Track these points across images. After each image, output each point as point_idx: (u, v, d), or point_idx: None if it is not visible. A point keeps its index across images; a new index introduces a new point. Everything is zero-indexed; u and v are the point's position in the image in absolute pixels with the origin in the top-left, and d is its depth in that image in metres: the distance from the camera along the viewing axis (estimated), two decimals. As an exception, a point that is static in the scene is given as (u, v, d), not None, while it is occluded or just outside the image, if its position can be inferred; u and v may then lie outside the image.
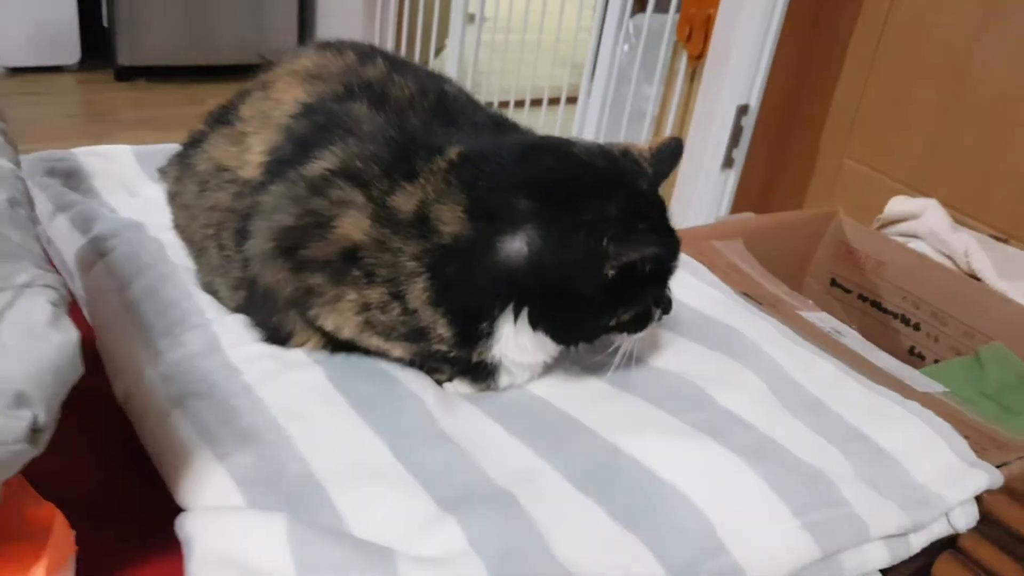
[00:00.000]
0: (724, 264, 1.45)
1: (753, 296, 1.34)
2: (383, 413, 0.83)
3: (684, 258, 1.15)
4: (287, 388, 0.84)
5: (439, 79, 0.97)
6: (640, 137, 2.79)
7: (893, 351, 1.35)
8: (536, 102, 3.11)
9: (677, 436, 0.84)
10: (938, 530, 0.87)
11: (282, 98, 0.94)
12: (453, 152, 0.85)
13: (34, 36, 3.65)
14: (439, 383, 0.92)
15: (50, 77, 3.74)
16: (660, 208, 0.87)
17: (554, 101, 3.13)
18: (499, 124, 0.94)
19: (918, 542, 0.85)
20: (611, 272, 0.81)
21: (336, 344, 0.90)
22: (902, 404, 0.95)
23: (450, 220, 0.81)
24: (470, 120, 0.91)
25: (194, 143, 0.97)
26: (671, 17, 2.59)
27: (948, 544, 0.94)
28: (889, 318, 1.55)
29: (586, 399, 0.90)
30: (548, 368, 0.93)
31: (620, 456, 0.82)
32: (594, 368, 0.94)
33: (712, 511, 0.77)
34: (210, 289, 0.95)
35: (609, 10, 2.75)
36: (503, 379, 0.90)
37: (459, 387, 0.91)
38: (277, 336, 0.90)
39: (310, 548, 0.65)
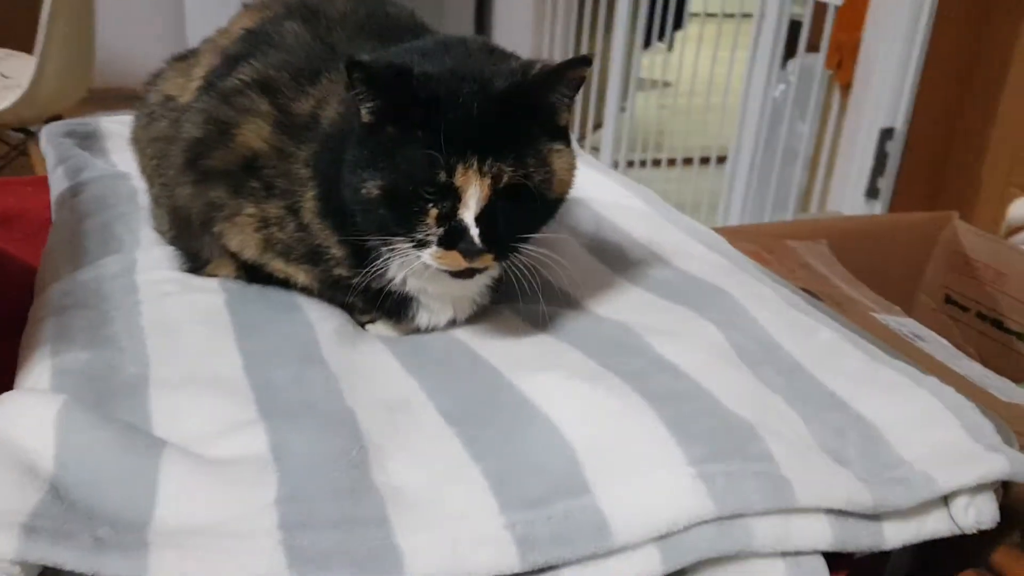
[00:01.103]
0: (793, 263, 1.29)
1: (815, 293, 1.18)
2: (259, 335, 0.77)
3: (697, 227, 1.03)
4: (175, 308, 0.81)
5: (382, 3, 0.92)
6: (794, 179, 2.61)
7: (1016, 376, 1.12)
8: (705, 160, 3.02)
9: (580, 377, 0.71)
10: (935, 526, 0.68)
11: (231, 29, 0.93)
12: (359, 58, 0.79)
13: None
14: (362, 325, 0.84)
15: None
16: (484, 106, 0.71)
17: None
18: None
19: (897, 535, 0.66)
20: (362, 106, 0.70)
21: (251, 273, 0.85)
22: (912, 377, 0.77)
23: (331, 114, 0.76)
24: (407, 39, 0.85)
25: (153, 82, 0.97)
26: (823, 54, 2.44)
27: (971, 556, 0.74)
28: (1012, 339, 1.30)
29: (508, 343, 0.80)
30: (483, 314, 0.83)
31: (508, 392, 0.71)
32: (535, 318, 0.84)
33: (585, 450, 0.64)
34: (157, 227, 0.94)
35: (759, 52, 2.62)
36: (422, 316, 0.82)
37: (381, 329, 0.84)
38: (197, 263, 0.87)
39: (76, 432, 0.60)
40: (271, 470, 0.60)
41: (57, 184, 1.08)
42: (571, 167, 0.75)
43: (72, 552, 0.51)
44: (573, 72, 0.72)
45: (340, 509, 0.58)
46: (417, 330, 0.83)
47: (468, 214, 0.69)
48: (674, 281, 0.91)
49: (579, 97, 3.21)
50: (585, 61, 0.72)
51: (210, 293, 0.83)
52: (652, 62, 3.59)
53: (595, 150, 3.34)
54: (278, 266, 0.83)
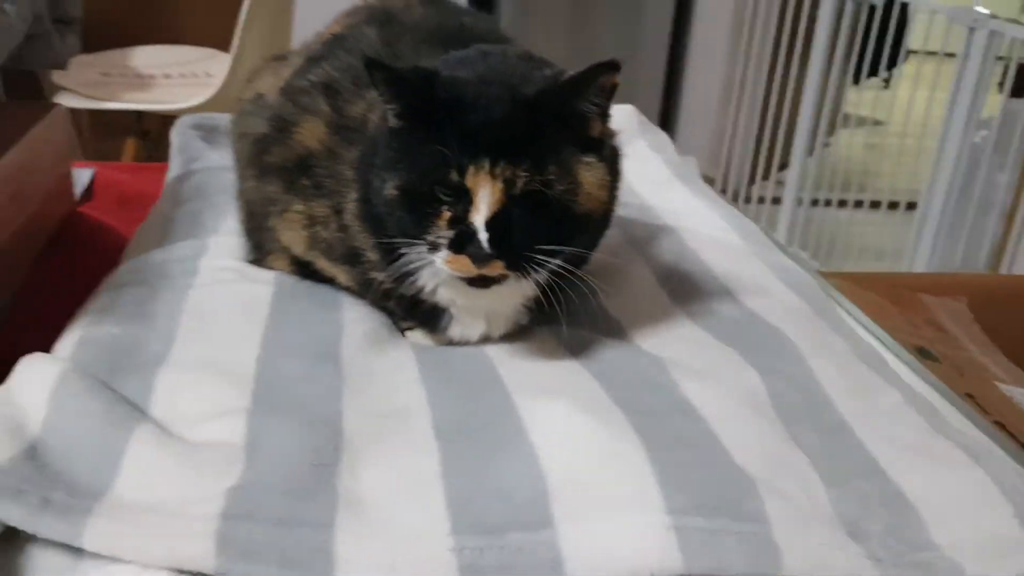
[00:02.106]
0: (920, 319, 1.18)
1: (934, 353, 1.08)
2: (287, 329, 0.79)
3: (789, 266, 0.96)
4: (222, 295, 0.84)
5: (461, 14, 0.93)
6: (987, 232, 2.40)
7: None
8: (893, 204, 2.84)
9: (583, 409, 0.68)
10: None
11: (325, 33, 0.96)
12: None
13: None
14: (402, 332, 0.85)
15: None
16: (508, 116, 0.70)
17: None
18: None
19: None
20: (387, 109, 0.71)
21: (302, 269, 0.88)
22: (972, 454, 0.69)
23: (375, 118, 0.77)
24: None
25: (250, 79, 1.02)
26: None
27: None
28: None
29: (530, 365, 0.78)
30: (520, 334, 0.82)
31: (507, 414, 0.69)
32: (573, 343, 0.81)
33: (559, 483, 0.61)
34: (238, 218, 0.98)
35: (960, 94, 2.44)
36: (454, 328, 0.81)
37: (418, 337, 0.84)
38: (259, 254, 0.91)
39: (67, 398, 0.64)
40: (238, 459, 0.62)
41: (172, 170, 1.16)
42: (602, 181, 0.72)
43: (17, 509, 0.54)
44: (602, 78, 0.70)
45: (289, 507, 0.58)
46: (450, 342, 0.82)
47: (479, 217, 0.68)
48: (735, 320, 0.86)
49: (767, 130, 3.11)
50: (613, 66, 0.70)
51: (261, 284, 0.86)
52: (861, 98, 3.42)
53: (779, 184, 3.22)
54: (322, 264, 0.85)
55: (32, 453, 0.60)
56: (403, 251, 0.73)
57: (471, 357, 0.79)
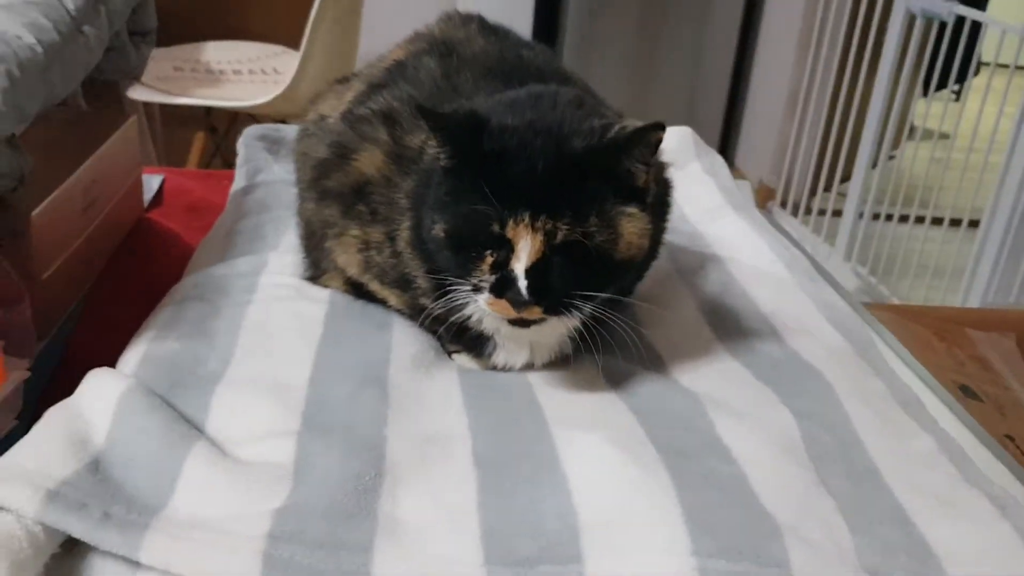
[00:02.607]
0: (965, 355, 1.18)
1: (976, 391, 1.08)
2: (338, 349, 0.83)
3: (835, 302, 0.97)
4: (279, 312, 0.88)
5: (521, 46, 0.95)
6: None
7: None
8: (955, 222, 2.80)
9: (617, 444, 0.71)
10: None
11: (388, 57, 0.99)
12: (468, 104, 0.83)
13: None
14: (449, 354, 0.88)
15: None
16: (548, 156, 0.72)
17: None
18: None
19: None
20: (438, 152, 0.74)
21: (356, 289, 0.91)
22: (1001, 506, 0.70)
23: (431, 151, 0.80)
24: (532, 81, 0.88)
25: (315, 100, 1.06)
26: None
27: None
28: None
29: (570, 396, 0.81)
30: (563, 362, 0.84)
31: (544, 444, 0.72)
32: (614, 374, 0.84)
33: (589, 518, 0.64)
34: (298, 234, 1.02)
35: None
36: (499, 355, 0.84)
37: (464, 360, 0.87)
38: (316, 272, 0.94)
39: (130, 415, 0.69)
40: (286, 480, 0.65)
41: (237, 182, 1.21)
42: (642, 231, 0.74)
43: (80, 523, 0.58)
44: (648, 137, 0.72)
45: (331, 529, 0.61)
46: (495, 367, 0.85)
47: (519, 265, 0.70)
48: (775, 358, 0.88)
49: (831, 141, 3.08)
50: (659, 127, 0.72)
51: (316, 303, 0.90)
52: (929, 111, 3.36)
53: (841, 196, 3.19)
54: (375, 287, 0.88)
55: (95, 467, 0.64)
56: (450, 284, 0.76)
57: (513, 384, 0.82)
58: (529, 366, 0.85)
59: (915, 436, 0.78)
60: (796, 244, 1.26)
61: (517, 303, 0.71)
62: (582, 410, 0.78)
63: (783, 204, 3.29)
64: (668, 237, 1.13)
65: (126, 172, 1.14)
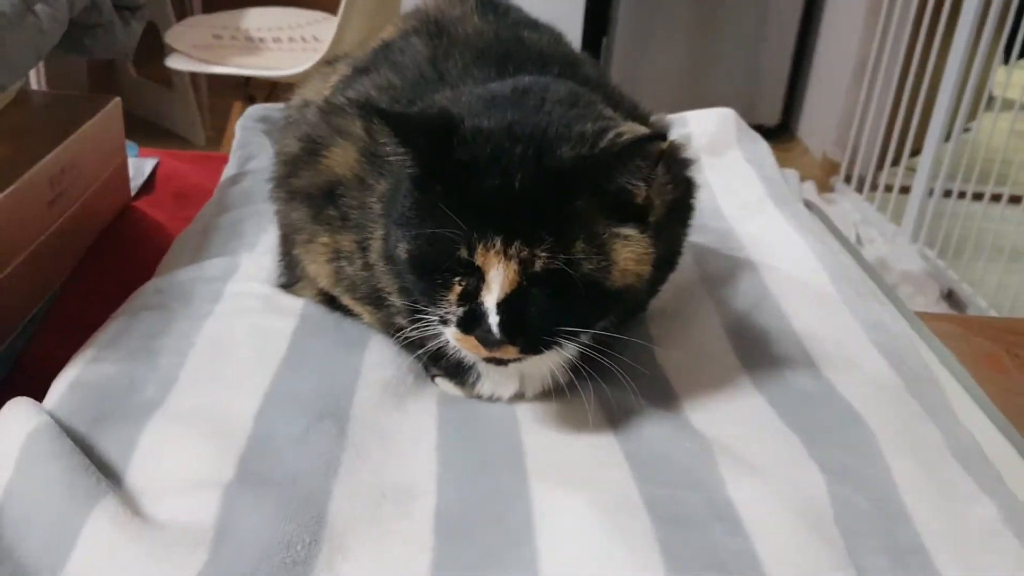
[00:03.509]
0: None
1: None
2: (298, 374, 0.73)
3: (885, 322, 0.84)
4: (240, 327, 0.78)
5: (522, 26, 0.82)
6: None
7: None
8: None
9: (602, 507, 0.60)
10: None
11: (371, 43, 0.88)
12: (452, 93, 0.71)
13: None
14: (431, 377, 0.77)
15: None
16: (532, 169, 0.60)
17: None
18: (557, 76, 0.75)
19: None
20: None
21: (329, 301, 0.81)
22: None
23: None
24: (528, 70, 0.75)
25: (300, 83, 0.95)
26: None
27: None
28: None
29: (559, 438, 0.69)
30: (557, 394, 0.73)
31: (520, 502, 0.62)
32: (615, 409, 0.72)
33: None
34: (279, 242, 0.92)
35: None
36: (484, 385, 0.73)
37: (445, 385, 0.76)
38: (290, 278, 0.84)
39: (32, 465, 0.60)
40: (202, 548, 0.55)
41: (227, 169, 1.11)
42: (641, 256, 0.61)
43: (-55, 601, 0.49)
44: (646, 150, 0.59)
45: (246, 616, 0.51)
46: (480, 397, 0.74)
47: (490, 298, 0.59)
48: (808, 395, 0.75)
49: (901, 111, 2.88)
50: (660, 136, 0.59)
51: (285, 317, 0.80)
52: (1009, 80, 3.12)
53: (910, 171, 2.99)
54: (347, 301, 0.78)
55: (-14, 525, 0.55)
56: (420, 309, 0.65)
57: (498, 419, 0.71)
58: (520, 396, 0.73)
59: (974, 501, 0.65)
60: (845, 243, 1.12)
61: (487, 342, 0.59)
62: (570, 458, 0.66)
63: (847, 179, 3.10)
64: (697, 237, 1.01)
65: (106, 158, 1.05)
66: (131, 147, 1.24)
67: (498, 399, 0.73)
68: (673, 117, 1.31)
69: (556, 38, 0.84)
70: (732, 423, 0.71)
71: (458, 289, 0.60)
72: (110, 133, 1.05)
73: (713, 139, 1.25)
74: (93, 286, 0.96)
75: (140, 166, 1.18)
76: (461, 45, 0.78)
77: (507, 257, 0.58)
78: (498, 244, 0.57)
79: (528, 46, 0.79)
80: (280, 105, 1.27)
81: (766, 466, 0.65)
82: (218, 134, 3.14)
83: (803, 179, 3.40)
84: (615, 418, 0.71)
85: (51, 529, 0.55)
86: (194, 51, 2.67)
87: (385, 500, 0.62)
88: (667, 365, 0.79)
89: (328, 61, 0.94)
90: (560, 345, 0.62)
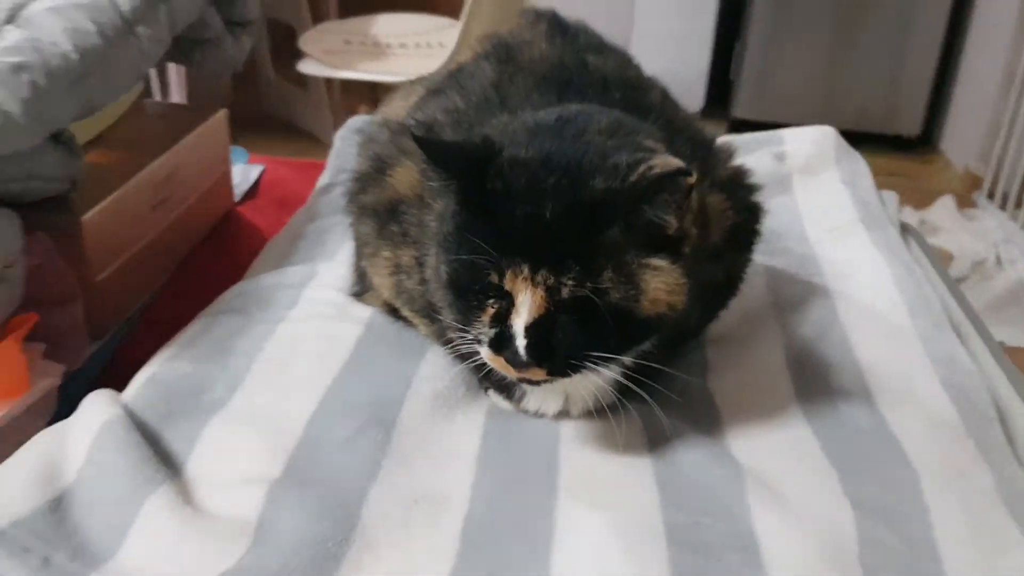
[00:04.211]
0: None
1: None
2: (356, 381, 0.78)
3: (958, 358, 0.83)
4: (309, 333, 0.84)
5: (588, 50, 0.85)
6: None
7: None
8: None
9: (621, 533, 0.62)
10: None
11: (456, 59, 0.93)
12: (510, 118, 0.75)
13: (666, 82, 4.01)
14: (484, 389, 0.81)
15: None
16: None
17: None
18: (616, 106, 0.77)
19: None
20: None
21: (394, 312, 0.86)
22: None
23: None
24: (588, 97, 0.78)
25: (386, 100, 1.01)
26: None
27: None
28: None
29: (595, 457, 0.72)
30: (600, 414, 0.75)
31: (544, 519, 0.65)
32: (658, 432, 0.74)
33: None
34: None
35: None
36: (530, 401, 0.76)
37: (495, 398, 0.80)
38: (361, 288, 0.90)
39: (103, 451, 0.67)
40: (245, 538, 0.61)
41: (322, 178, 1.18)
42: (673, 287, 0.63)
43: (17, 568, 0.57)
44: (676, 184, 0.61)
45: (274, 606, 0.56)
46: (527, 412, 0.77)
47: (519, 322, 0.62)
48: (858, 429, 0.74)
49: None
50: (684, 172, 0.60)
51: (352, 324, 0.85)
52: None
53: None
54: (406, 312, 0.83)
55: (57, 504, 0.63)
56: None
57: (540, 435, 0.75)
58: (564, 414, 0.76)
59: (1016, 549, 0.64)
60: (940, 271, 1.10)
61: (514, 363, 0.63)
62: (601, 479, 0.69)
63: (990, 195, 2.97)
64: (776, 261, 1.01)
65: (210, 166, 1.13)
66: (241, 153, 1.33)
67: (543, 415, 0.76)
68: (768, 135, 1.31)
69: (623, 62, 0.86)
70: (771, 453, 0.72)
71: (490, 311, 0.64)
72: (215, 142, 1.13)
73: (809, 158, 1.24)
74: (191, 287, 1.04)
75: (247, 172, 1.27)
76: (526, 70, 0.82)
77: (534, 284, 0.61)
78: (526, 271, 0.61)
79: (591, 71, 0.82)
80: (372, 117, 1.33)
81: (797, 498, 0.66)
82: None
83: (943, 194, 3.28)
84: (654, 442, 0.73)
85: (112, 512, 0.62)
86: (325, 56, 2.80)
87: (416, 506, 0.66)
88: (717, 390, 0.80)
89: (415, 80, 0.99)
90: (589, 369, 0.64)
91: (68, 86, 0.78)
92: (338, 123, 3.70)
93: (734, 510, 0.65)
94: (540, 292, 0.61)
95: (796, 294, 0.95)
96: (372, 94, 2.99)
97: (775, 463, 0.70)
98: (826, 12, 3.68)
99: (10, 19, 0.82)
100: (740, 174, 0.83)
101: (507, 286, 0.62)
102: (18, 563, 0.57)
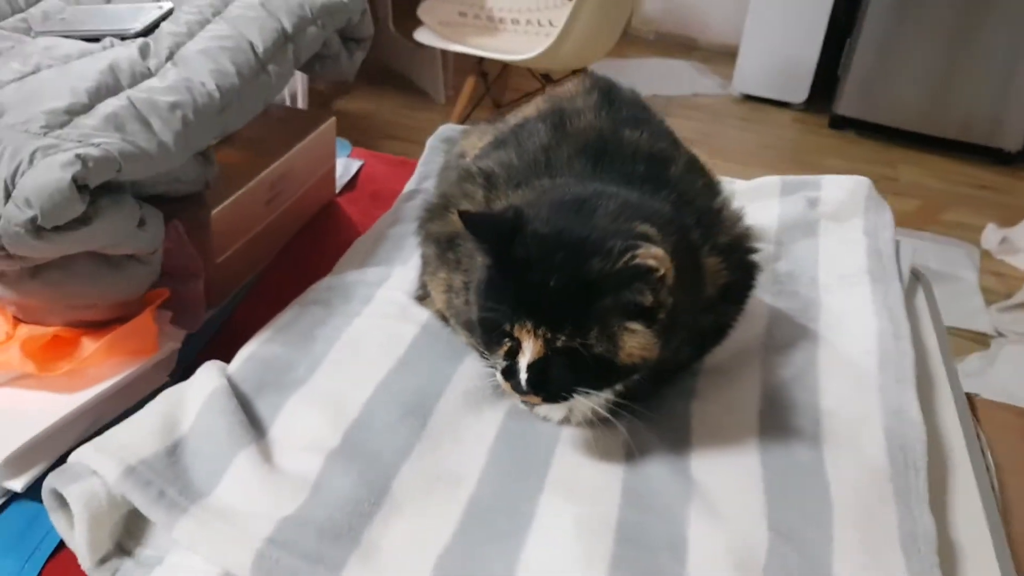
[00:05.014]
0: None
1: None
2: (405, 375, 0.99)
3: (906, 408, 0.99)
4: (376, 328, 1.05)
5: (627, 124, 1.01)
6: None
7: None
8: None
9: (581, 524, 0.81)
10: None
11: (521, 111, 1.11)
12: (549, 182, 0.94)
13: (772, 71, 4.08)
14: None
15: (770, 110, 4.15)
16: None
17: None
18: (637, 180, 0.95)
19: None
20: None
21: (445, 320, 1.06)
22: None
23: None
24: (616, 167, 0.96)
25: (465, 134, 1.20)
26: None
27: None
28: None
29: (584, 462, 0.91)
30: (596, 425, 0.94)
31: (528, 504, 0.84)
32: (639, 446, 0.93)
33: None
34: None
35: None
36: (541, 407, 0.96)
37: (516, 400, 0.99)
38: (424, 293, 1.10)
39: (211, 411, 0.89)
40: (303, 492, 0.83)
41: (410, 183, 1.38)
42: (645, 346, 0.82)
43: (141, 497, 0.79)
44: (647, 276, 0.79)
45: (318, 544, 0.78)
46: (537, 415, 0.97)
47: (523, 360, 0.82)
48: (798, 465, 0.91)
49: None
50: (653, 270, 0.79)
51: (412, 324, 1.06)
52: None
53: None
54: (453, 323, 1.03)
55: (173, 449, 0.85)
56: None
57: (545, 435, 0.94)
58: (567, 420, 0.96)
59: (895, 577, 0.81)
60: (937, 323, 1.24)
61: (517, 390, 0.84)
62: (582, 478, 0.88)
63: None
64: (783, 303, 1.18)
65: (318, 165, 1.35)
66: (345, 146, 1.55)
67: (549, 420, 0.96)
68: (807, 179, 1.46)
69: (656, 135, 1.02)
70: (721, 476, 0.90)
71: (505, 348, 0.84)
72: (324, 146, 1.35)
73: (840, 205, 1.38)
74: (291, 269, 1.26)
75: (348, 166, 1.48)
76: (571, 138, 1.00)
77: (536, 336, 0.81)
78: (530, 326, 0.81)
79: (624, 144, 0.99)
80: (465, 128, 1.53)
81: (728, 515, 0.84)
82: (456, 93, 3.49)
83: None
84: (631, 453, 0.92)
85: (212, 461, 0.84)
86: (440, 28, 3.00)
87: (439, 482, 0.86)
88: (696, 414, 0.98)
89: (489, 121, 1.18)
90: (575, 397, 0.84)
91: (210, 119, 1.00)
92: (448, 83, 3.92)
93: (676, 517, 0.84)
94: (540, 342, 0.81)
95: (787, 336, 1.11)
96: (480, 66, 3.18)
97: (720, 484, 0.88)
98: (943, 20, 3.68)
99: (169, 56, 1.04)
100: (742, 238, 1.01)
101: (515, 334, 0.82)
102: (143, 493, 0.80)
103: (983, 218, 3.32)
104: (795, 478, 0.90)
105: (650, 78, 4.32)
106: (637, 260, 0.79)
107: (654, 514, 0.84)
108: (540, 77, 3.11)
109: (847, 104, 3.93)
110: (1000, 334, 2.77)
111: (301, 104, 2.74)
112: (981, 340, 2.72)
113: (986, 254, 3.15)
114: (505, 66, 3.22)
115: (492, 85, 3.32)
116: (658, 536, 0.82)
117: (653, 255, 0.79)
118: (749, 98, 4.22)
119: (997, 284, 3.00)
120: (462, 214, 0.85)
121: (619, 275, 0.80)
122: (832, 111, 4.00)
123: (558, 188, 0.90)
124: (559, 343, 0.81)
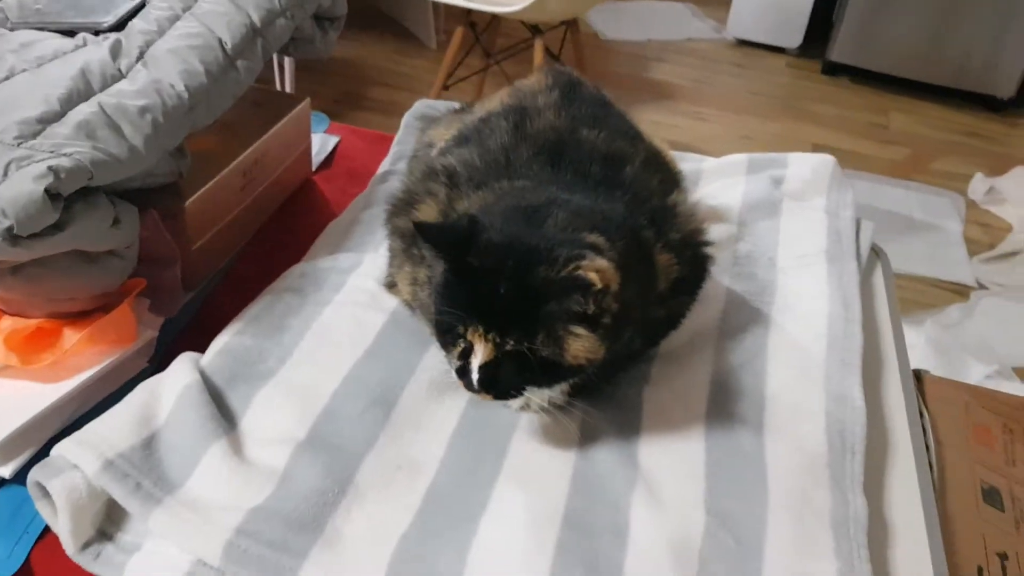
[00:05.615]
0: (1027, 455, 1.19)
1: (1002, 495, 1.12)
2: (372, 364, 1.04)
3: (849, 394, 1.05)
4: (346, 317, 1.10)
5: (584, 124, 1.06)
6: None
7: None
8: None
9: (530, 510, 0.88)
10: None
11: (485, 105, 1.15)
12: (508, 184, 0.98)
13: (766, 16, 4.06)
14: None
15: (764, 55, 4.14)
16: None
17: None
18: (592, 181, 1.00)
19: None
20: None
21: (412, 310, 1.12)
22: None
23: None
24: (573, 168, 1.01)
25: (435, 122, 1.24)
26: None
27: None
28: None
29: (538, 448, 0.97)
30: (551, 411, 1.00)
31: (483, 492, 0.91)
32: (593, 433, 0.98)
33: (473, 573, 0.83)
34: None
35: None
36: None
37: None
38: (391, 282, 1.15)
39: (185, 407, 0.94)
40: (271, 484, 0.89)
41: (384, 164, 1.42)
42: (588, 348, 0.87)
43: (118, 488, 0.86)
44: (586, 287, 0.84)
45: (284, 533, 0.84)
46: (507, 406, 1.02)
47: (474, 361, 0.88)
48: (739, 451, 0.96)
49: None
50: (588, 285, 0.83)
51: (380, 313, 1.11)
52: None
53: None
54: (418, 314, 1.08)
55: (149, 443, 0.91)
56: None
57: (504, 423, 0.99)
58: (526, 407, 1.01)
59: (821, 559, 0.87)
60: (892, 304, 1.29)
61: (470, 388, 0.89)
62: (535, 465, 0.94)
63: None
64: (740, 286, 1.23)
65: (294, 147, 1.39)
66: (322, 120, 1.59)
67: (508, 407, 1.02)
68: (774, 157, 1.50)
69: (613, 134, 1.07)
70: (665, 462, 0.96)
71: (459, 348, 0.90)
72: (298, 128, 1.39)
73: (805, 184, 1.42)
74: (267, 250, 1.31)
75: (324, 142, 1.52)
76: (531, 139, 1.04)
77: (486, 340, 0.86)
78: (481, 330, 0.86)
79: (580, 144, 1.04)
80: (437, 104, 1.56)
81: (669, 500, 0.91)
82: (447, 38, 3.50)
83: (1022, 163, 3.32)
84: (586, 441, 0.98)
85: (185, 454, 0.91)
86: (426, -21, 2.99)
87: (400, 471, 0.92)
88: (648, 400, 1.04)
89: (457, 110, 1.22)
90: (524, 393, 0.90)
91: (179, 119, 1.04)
92: (439, 28, 3.92)
93: (620, 503, 0.90)
94: (490, 345, 0.86)
95: (742, 321, 1.17)
96: (468, 16, 3.18)
97: (664, 470, 0.95)
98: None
99: (140, 56, 1.08)
100: (694, 233, 1.05)
101: (468, 337, 0.87)
102: (120, 485, 0.86)
103: (972, 167, 3.34)
104: (736, 464, 0.96)
105: (645, 22, 4.30)
106: (579, 272, 0.84)
107: (600, 500, 0.90)
108: (530, 27, 3.12)
109: (841, 50, 3.92)
110: (981, 285, 2.82)
111: (289, 89, 2.77)
112: (962, 291, 2.78)
113: (972, 204, 3.19)
114: (494, 16, 3.22)
115: (482, 35, 3.32)
116: (602, 522, 0.88)
117: (596, 267, 0.84)
118: (743, 43, 4.21)
119: (981, 234, 3.04)
120: (417, 225, 0.89)
121: (562, 283, 0.84)
122: (826, 58, 4.00)
123: (515, 193, 0.95)
124: (508, 347, 0.86)
